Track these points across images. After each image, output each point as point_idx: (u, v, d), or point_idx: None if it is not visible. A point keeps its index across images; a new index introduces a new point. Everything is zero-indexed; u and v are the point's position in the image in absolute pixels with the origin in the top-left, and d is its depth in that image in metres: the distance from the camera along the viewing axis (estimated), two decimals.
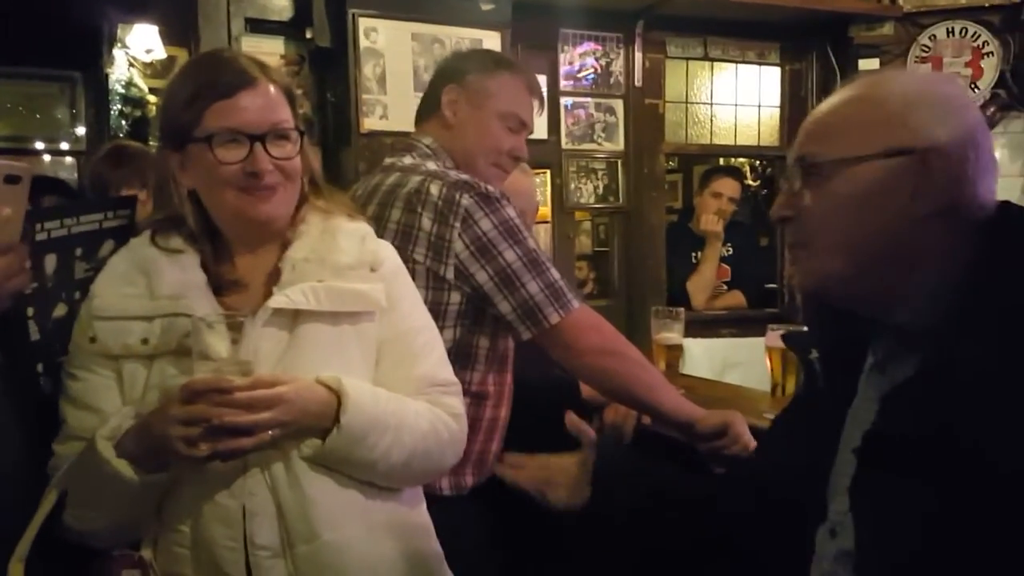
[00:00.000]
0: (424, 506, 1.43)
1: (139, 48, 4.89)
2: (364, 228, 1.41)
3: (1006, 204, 0.99)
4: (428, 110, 1.90)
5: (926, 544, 0.88)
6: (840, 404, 1.09)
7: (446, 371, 1.44)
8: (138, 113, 5.03)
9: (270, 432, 1.17)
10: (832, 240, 1.00)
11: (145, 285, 1.29)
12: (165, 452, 1.17)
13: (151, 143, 5.20)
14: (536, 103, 1.92)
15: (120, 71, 4.93)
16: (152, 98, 5.07)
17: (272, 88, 1.29)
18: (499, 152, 1.85)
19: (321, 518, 1.24)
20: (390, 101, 3.02)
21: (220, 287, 1.31)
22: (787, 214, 1.04)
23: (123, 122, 4.98)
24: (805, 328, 1.24)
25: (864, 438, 0.99)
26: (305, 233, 1.34)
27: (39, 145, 5.11)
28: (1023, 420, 0.83)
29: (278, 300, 1.26)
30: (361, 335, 1.33)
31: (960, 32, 3.96)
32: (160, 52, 4.95)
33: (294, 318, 1.28)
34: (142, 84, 5.02)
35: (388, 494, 1.33)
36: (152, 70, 5.16)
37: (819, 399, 1.15)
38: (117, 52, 4.87)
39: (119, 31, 4.81)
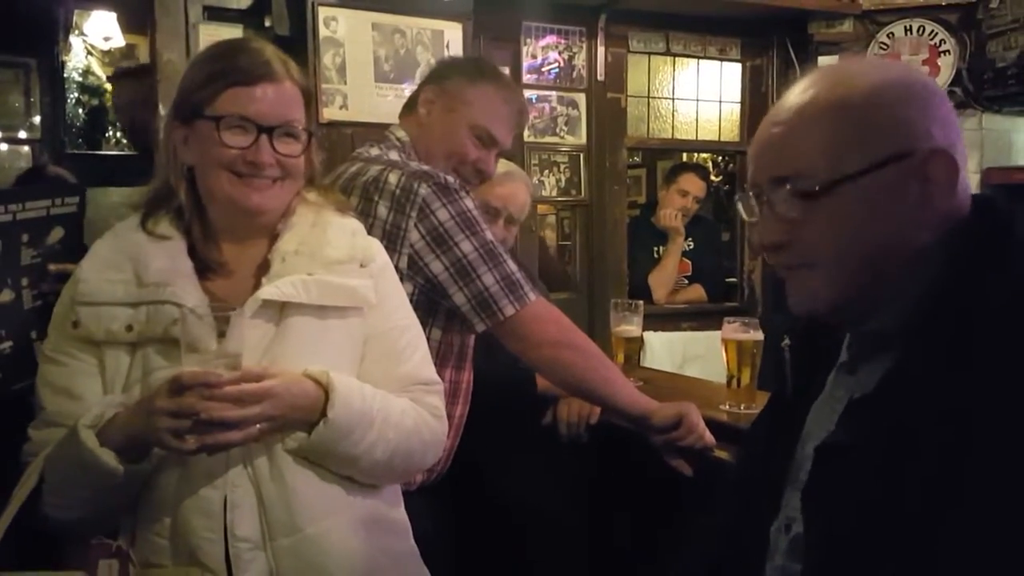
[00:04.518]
0: (402, 506, 1.43)
1: (97, 36, 4.80)
2: (354, 223, 1.41)
3: (979, 204, 0.94)
4: (409, 106, 1.93)
5: (873, 553, 0.87)
6: (805, 399, 1.07)
7: (429, 370, 1.45)
8: (95, 102, 4.95)
9: (258, 426, 1.17)
10: (837, 258, 0.93)
11: (132, 271, 1.28)
12: (150, 443, 1.17)
13: (108, 132, 5.14)
14: (516, 121, 1.93)
15: (77, 59, 4.85)
16: (110, 87, 4.99)
17: (291, 86, 1.31)
18: (462, 160, 1.86)
19: (303, 511, 1.24)
20: (350, 91, 2.99)
21: (206, 272, 1.31)
22: (780, 240, 0.97)
23: (80, 111, 4.89)
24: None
25: (818, 449, 0.98)
26: (295, 225, 1.34)
27: None
28: (970, 441, 0.80)
29: (268, 291, 1.26)
30: (348, 331, 1.34)
31: (918, 30, 4.02)
32: (119, 40, 4.87)
33: (281, 310, 1.28)
34: (100, 72, 4.94)
35: (369, 491, 1.34)
36: (111, 58, 5.07)
37: (785, 391, 1.13)
38: (74, 39, 4.78)
39: (76, 18, 4.72)
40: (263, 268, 1.31)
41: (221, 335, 1.17)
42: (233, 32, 3.02)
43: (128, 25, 4.77)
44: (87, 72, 4.86)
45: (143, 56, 4.92)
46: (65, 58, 4.78)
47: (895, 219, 0.90)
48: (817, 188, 0.92)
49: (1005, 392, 0.80)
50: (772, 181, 0.96)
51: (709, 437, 1.72)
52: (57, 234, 1.55)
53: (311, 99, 1.36)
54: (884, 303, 0.95)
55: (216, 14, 3.04)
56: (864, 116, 0.91)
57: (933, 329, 0.88)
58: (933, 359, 0.86)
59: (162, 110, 2.98)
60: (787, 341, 1.13)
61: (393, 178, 1.67)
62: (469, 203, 1.69)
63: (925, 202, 0.90)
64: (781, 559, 1.04)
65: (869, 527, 0.86)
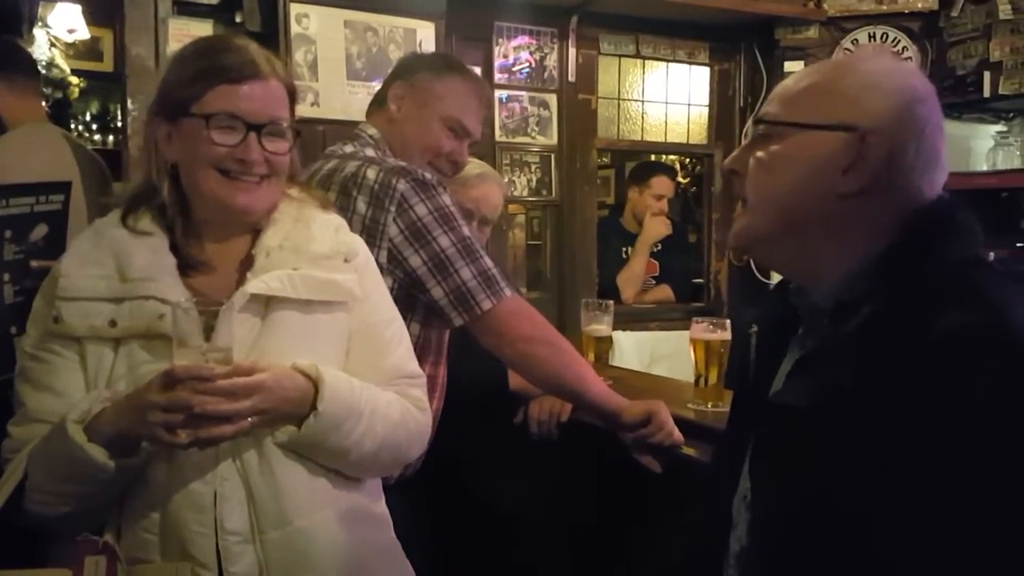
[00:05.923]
0: (383, 499, 1.44)
1: (61, 28, 4.73)
2: (337, 219, 1.42)
3: (937, 200, 1.01)
4: (377, 102, 1.94)
5: (806, 516, 0.92)
6: (767, 376, 1.12)
7: (413, 363, 1.46)
8: (59, 95, 4.86)
9: (249, 419, 1.18)
10: (763, 197, 1.05)
11: (114, 267, 1.27)
12: (140, 438, 1.17)
13: (72, 126, 5.07)
14: (484, 111, 1.97)
15: (41, 51, 4.76)
16: (75, 79, 4.91)
17: (277, 84, 1.31)
18: (437, 153, 1.88)
19: (292, 504, 1.25)
20: (322, 88, 2.99)
21: (188, 268, 1.31)
22: (736, 168, 1.09)
23: (43, 104, 4.80)
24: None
25: (765, 404, 1.05)
26: (279, 221, 1.35)
27: None
28: (881, 409, 0.87)
29: (255, 286, 1.26)
30: (333, 325, 1.34)
31: (881, 37, 4.09)
32: (83, 32, 4.80)
33: (266, 305, 1.29)
34: (64, 65, 4.85)
35: (353, 484, 1.35)
36: (75, 51, 4.99)
37: (748, 376, 1.20)
38: (38, 31, 4.70)
39: (40, 9, 4.64)
40: (246, 264, 1.32)
41: (208, 330, 1.18)
42: (203, 27, 3.00)
43: (93, 18, 4.71)
44: (51, 65, 4.76)
45: (107, 49, 4.87)
46: (29, 50, 4.70)
47: (822, 178, 1.00)
48: (770, 121, 1.05)
49: (934, 370, 0.86)
50: (754, 118, 1.07)
51: (677, 435, 1.75)
52: (41, 231, 1.54)
53: (295, 96, 1.37)
54: (819, 271, 1.03)
55: (186, 9, 3.02)
56: (840, 85, 1.02)
57: (870, 299, 0.96)
58: (864, 325, 0.95)
59: (130, 105, 2.95)
60: (755, 328, 1.20)
61: (371, 174, 1.69)
62: (447, 199, 1.71)
63: (855, 173, 0.98)
64: (741, 529, 1.09)
65: (807, 481, 0.92)
